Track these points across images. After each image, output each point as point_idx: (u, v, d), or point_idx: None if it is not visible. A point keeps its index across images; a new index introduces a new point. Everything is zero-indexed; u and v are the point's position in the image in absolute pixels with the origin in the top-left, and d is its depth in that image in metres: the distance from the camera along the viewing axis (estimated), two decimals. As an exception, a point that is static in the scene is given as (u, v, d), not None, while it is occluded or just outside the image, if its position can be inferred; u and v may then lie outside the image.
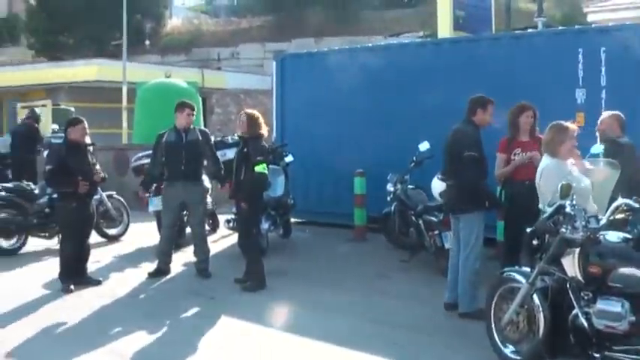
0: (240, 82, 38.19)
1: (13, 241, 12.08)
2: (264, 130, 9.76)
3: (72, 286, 9.45)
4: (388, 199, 11.79)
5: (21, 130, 18.26)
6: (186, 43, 46.37)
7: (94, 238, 12.22)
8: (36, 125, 18.19)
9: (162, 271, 10.39)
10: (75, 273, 9.69)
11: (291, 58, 15.83)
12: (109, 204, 13.03)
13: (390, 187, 11.78)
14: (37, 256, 11.85)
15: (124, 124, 26.58)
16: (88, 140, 10.14)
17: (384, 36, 36.82)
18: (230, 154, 11.46)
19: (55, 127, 20.68)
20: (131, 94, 25.37)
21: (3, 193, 12.05)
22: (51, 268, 10.18)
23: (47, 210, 12.06)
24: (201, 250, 10.47)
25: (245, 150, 9.62)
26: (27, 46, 48.03)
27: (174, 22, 50.69)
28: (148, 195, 11.32)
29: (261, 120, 9.76)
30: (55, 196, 11.82)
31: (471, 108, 8.46)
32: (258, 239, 10.65)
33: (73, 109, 24.13)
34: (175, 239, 10.99)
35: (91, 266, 10.49)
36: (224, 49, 45.73)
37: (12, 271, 10.83)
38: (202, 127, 11.02)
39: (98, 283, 9.83)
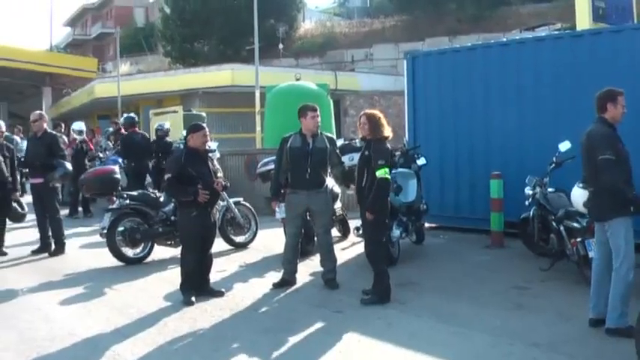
0: (373, 83, 38.00)
1: (139, 249, 11.94)
2: (388, 132, 9.14)
3: (193, 298, 9.09)
4: (527, 203, 11.04)
5: (133, 138, 18.38)
6: (319, 46, 46.47)
7: (221, 245, 12.05)
8: (143, 133, 18.72)
9: (287, 281, 9.95)
10: (197, 284, 9.36)
11: (422, 56, 15.19)
12: (236, 210, 12.75)
13: (528, 191, 11.03)
14: (162, 265, 11.69)
15: (257, 128, 26.51)
16: (212, 146, 9.81)
17: (519, 30, 35.76)
18: (357, 158, 10.97)
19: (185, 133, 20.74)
20: (264, 99, 25.33)
21: (128, 202, 11.92)
22: (174, 277, 9.90)
23: (173, 218, 11.89)
24: (328, 259, 9.97)
25: (367, 153, 9.07)
26: (163, 54, 49.08)
27: (307, 25, 50.83)
28: (279, 203, 10.74)
29: (384, 120, 9.15)
30: (179, 203, 11.73)
31: (600, 105, 7.67)
32: (388, 247, 10.12)
33: (204, 114, 24.20)
34: (301, 248, 10.53)
35: (216, 275, 10.22)
36: (357, 50, 45.63)
37: (136, 280, 10.65)
38: (329, 134, 10.41)
39: (221, 294, 9.46)
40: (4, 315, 8.94)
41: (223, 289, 9.63)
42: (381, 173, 8.84)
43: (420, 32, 44.37)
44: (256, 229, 13.15)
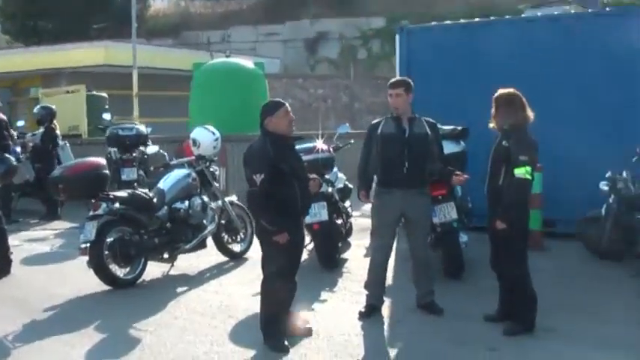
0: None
1: (128, 268, 9.14)
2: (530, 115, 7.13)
3: (286, 342, 6.59)
4: (609, 200, 9.69)
5: None
6: (173, 26, 43.97)
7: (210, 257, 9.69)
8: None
9: (374, 307, 7.62)
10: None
11: (420, 32, 13.07)
12: (233, 213, 10.41)
13: (604, 186, 9.70)
14: (168, 287, 9.04)
15: (135, 113, 23.83)
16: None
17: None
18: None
19: (107, 116, 18.00)
20: (142, 79, 24.00)
21: (117, 205, 9.17)
22: (209, 309, 7.93)
23: (168, 225, 9.44)
24: (425, 278, 7.74)
25: (504, 144, 7.05)
26: (2, 31, 45.04)
27: (159, 4, 48.00)
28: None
29: (525, 101, 7.15)
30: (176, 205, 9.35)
31: None
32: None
33: (105, 95, 21.48)
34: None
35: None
36: (214, 32, 43.38)
37: (160, 313, 7.94)
38: (429, 118, 7.93)
39: (309, 333, 6.97)
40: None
41: (309, 324, 7.19)
42: (522, 172, 6.91)
43: (280, 14, 42.89)
44: (252, 236, 10.47)
